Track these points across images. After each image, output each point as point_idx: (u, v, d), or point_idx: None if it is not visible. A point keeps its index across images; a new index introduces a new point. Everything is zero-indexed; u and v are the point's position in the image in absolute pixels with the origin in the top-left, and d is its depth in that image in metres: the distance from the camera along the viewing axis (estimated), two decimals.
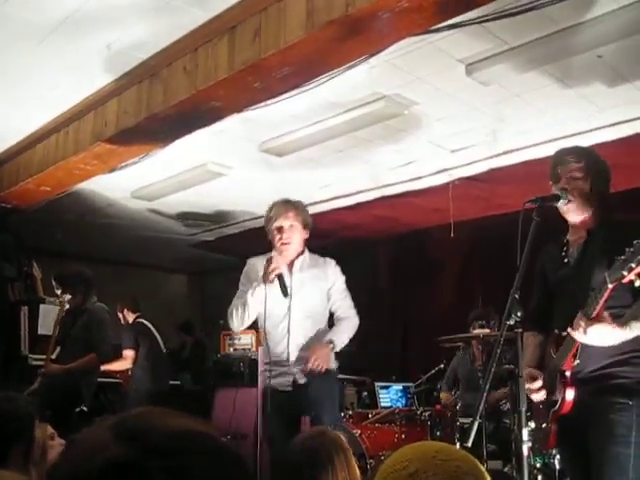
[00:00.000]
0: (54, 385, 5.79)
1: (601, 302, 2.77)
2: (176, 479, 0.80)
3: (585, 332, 2.82)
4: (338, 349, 4.39)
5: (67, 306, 5.96)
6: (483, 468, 1.36)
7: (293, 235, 4.40)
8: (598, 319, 2.79)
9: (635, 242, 2.60)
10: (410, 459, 1.33)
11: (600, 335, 2.82)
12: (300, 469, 2.51)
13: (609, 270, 2.70)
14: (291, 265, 4.47)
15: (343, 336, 4.44)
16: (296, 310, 4.37)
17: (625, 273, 2.62)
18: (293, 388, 4.35)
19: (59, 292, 6.05)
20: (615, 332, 2.80)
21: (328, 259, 4.58)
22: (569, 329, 2.91)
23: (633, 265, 2.59)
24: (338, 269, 4.55)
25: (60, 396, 5.71)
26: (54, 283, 6.16)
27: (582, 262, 3.14)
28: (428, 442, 1.44)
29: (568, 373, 3.04)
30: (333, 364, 4.49)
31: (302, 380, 4.35)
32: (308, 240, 4.53)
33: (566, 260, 3.25)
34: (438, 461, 1.32)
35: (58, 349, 6.02)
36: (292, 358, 4.35)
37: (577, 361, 3.01)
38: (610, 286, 2.69)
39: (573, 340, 2.95)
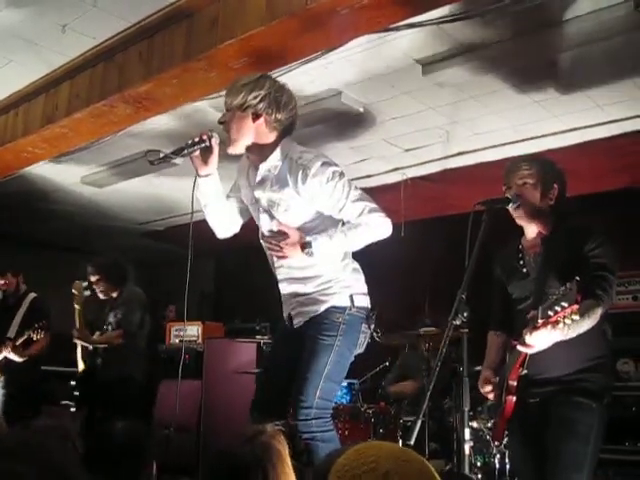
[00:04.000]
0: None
1: (542, 322, 2.76)
2: None
3: (527, 341, 2.82)
4: (318, 251, 3.10)
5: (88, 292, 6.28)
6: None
7: (232, 122, 3.29)
8: (538, 328, 2.77)
9: (567, 284, 2.63)
10: (376, 459, 1.31)
11: (540, 341, 2.81)
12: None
13: (542, 306, 2.72)
14: (256, 167, 3.42)
15: (337, 238, 3.13)
16: (266, 230, 3.38)
17: (551, 314, 2.66)
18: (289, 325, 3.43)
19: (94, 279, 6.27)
20: (553, 334, 2.78)
21: (309, 160, 3.15)
22: (516, 343, 2.93)
23: (558, 309, 2.64)
24: (318, 178, 3.12)
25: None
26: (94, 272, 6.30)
27: (540, 278, 3.15)
28: (384, 442, 1.44)
29: (513, 382, 3.07)
30: (342, 298, 3.31)
31: (296, 322, 3.36)
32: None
33: (524, 270, 3.26)
34: (402, 462, 1.33)
35: (97, 333, 6.26)
36: (283, 290, 3.40)
37: (525, 370, 3.03)
38: (541, 322, 2.71)
39: (518, 352, 2.98)
